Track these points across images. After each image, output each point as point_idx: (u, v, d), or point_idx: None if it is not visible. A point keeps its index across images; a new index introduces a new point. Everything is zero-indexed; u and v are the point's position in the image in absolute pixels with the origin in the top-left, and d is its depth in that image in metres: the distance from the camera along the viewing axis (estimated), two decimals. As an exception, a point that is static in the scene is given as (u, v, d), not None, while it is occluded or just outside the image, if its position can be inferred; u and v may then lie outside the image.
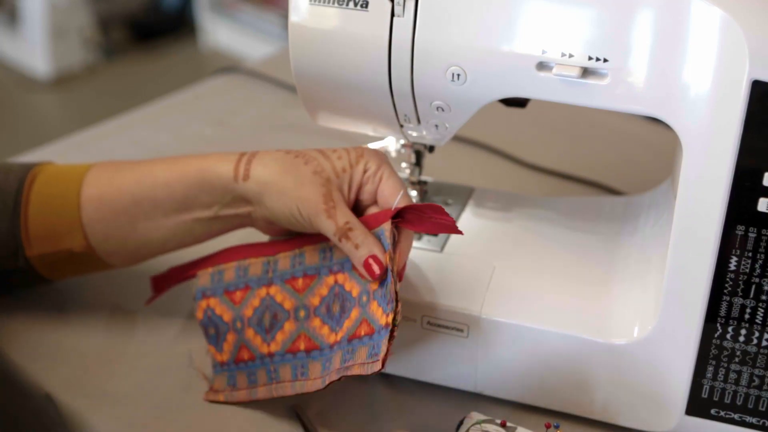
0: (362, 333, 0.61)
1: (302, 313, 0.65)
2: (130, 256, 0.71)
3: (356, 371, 0.60)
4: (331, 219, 0.62)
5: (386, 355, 0.58)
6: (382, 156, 0.66)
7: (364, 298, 0.62)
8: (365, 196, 0.66)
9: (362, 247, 0.62)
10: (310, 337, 0.65)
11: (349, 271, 0.64)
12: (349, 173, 0.65)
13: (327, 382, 0.62)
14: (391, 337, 0.58)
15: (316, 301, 0.65)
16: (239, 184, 0.65)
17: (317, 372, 0.64)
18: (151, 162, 0.69)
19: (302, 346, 0.65)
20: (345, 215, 0.63)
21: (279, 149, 0.67)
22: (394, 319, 0.59)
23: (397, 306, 0.59)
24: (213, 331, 0.70)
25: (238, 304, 0.69)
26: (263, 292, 0.68)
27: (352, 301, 0.63)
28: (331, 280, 0.65)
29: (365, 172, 0.65)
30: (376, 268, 0.61)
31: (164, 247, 0.71)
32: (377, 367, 0.58)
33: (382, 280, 0.61)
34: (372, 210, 0.65)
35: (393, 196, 0.64)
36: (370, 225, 0.63)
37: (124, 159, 0.72)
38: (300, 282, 0.66)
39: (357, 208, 0.66)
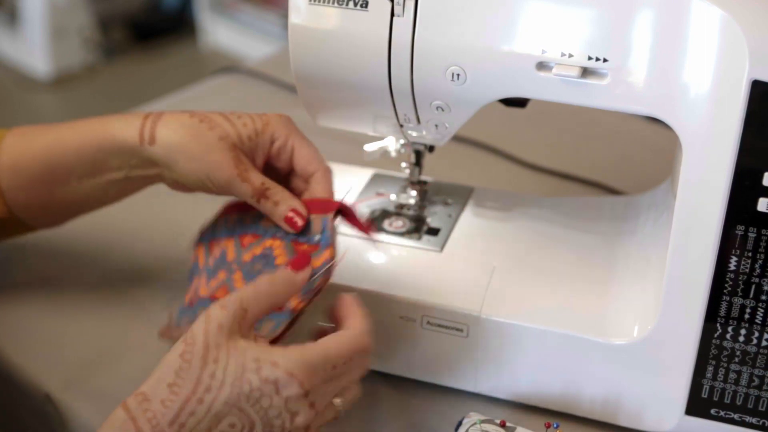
0: None
1: (234, 266, 0.66)
2: (52, 220, 0.74)
3: None
4: (246, 182, 0.64)
5: (280, 336, 0.58)
6: (289, 124, 0.67)
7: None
8: (281, 164, 0.67)
9: (282, 202, 0.64)
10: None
11: (285, 240, 0.65)
12: (255, 142, 0.66)
13: None
14: (291, 323, 0.59)
15: (247, 257, 0.66)
16: (145, 148, 0.66)
17: None
18: (59, 128, 0.70)
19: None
20: (259, 176, 0.65)
21: (184, 111, 0.67)
22: (301, 310, 0.59)
23: (309, 303, 0.59)
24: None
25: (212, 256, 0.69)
26: (224, 243, 0.68)
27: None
28: (268, 243, 0.66)
29: (273, 142, 0.66)
30: (298, 220, 0.63)
31: (84, 208, 0.73)
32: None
33: (305, 233, 0.63)
34: (296, 181, 0.67)
35: (310, 164, 0.66)
36: (314, 210, 0.65)
37: None
38: (247, 238, 0.67)
39: (274, 174, 0.67)
